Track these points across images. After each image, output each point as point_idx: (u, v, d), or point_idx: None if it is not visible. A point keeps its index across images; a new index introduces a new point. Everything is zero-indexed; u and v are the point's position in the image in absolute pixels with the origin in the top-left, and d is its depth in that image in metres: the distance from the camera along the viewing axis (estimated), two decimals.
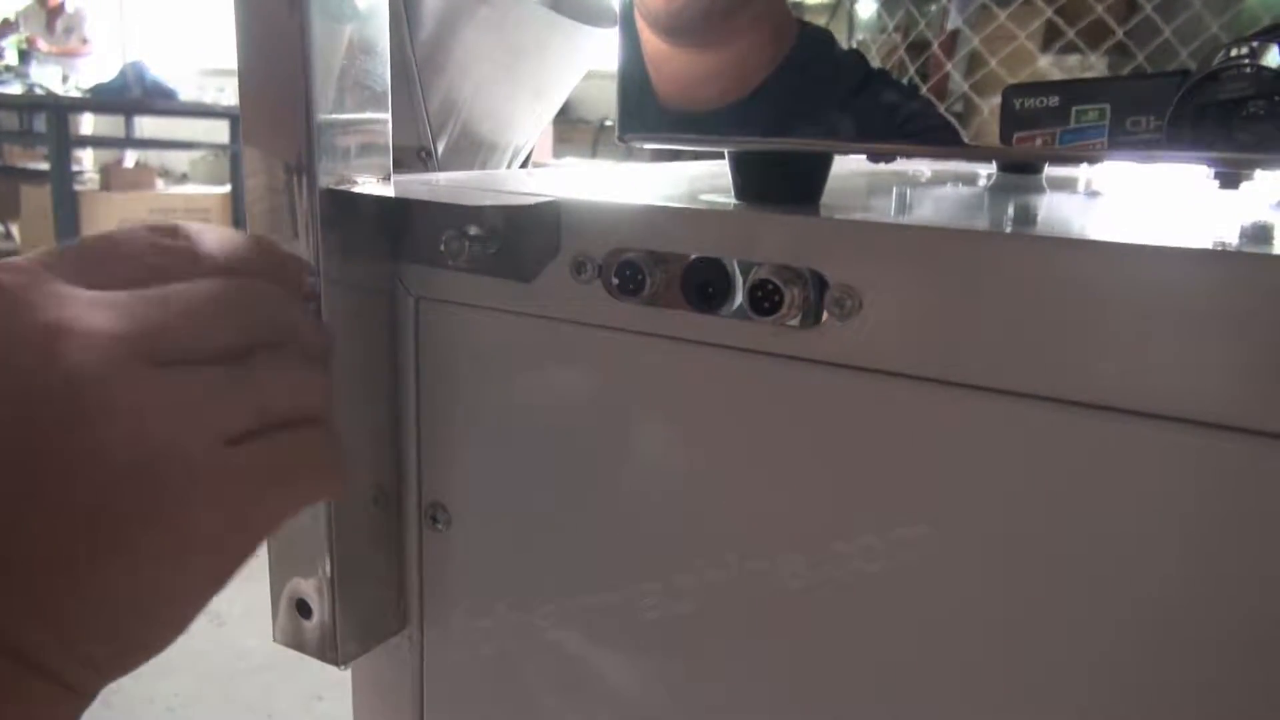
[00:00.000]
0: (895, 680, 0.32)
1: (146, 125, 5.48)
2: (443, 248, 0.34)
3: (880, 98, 0.31)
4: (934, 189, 0.50)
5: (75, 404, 0.25)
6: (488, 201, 0.33)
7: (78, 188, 4.45)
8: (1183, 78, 0.26)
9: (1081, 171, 0.74)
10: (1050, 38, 0.29)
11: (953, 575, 0.30)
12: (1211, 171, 0.35)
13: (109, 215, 4.39)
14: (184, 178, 6.24)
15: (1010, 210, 0.41)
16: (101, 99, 4.59)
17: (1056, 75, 0.29)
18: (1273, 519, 0.25)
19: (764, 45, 0.32)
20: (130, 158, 5.38)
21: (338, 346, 0.35)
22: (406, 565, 0.42)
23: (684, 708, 0.36)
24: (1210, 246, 0.26)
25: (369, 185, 0.35)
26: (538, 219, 0.33)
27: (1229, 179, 0.33)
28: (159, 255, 0.29)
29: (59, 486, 0.25)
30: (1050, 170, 0.69)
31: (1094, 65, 0.28)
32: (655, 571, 0.36)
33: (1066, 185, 0.58)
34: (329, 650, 0.41)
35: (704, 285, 0.32)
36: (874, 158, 0.34)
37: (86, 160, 5.57)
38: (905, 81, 0.31)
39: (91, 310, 0.26)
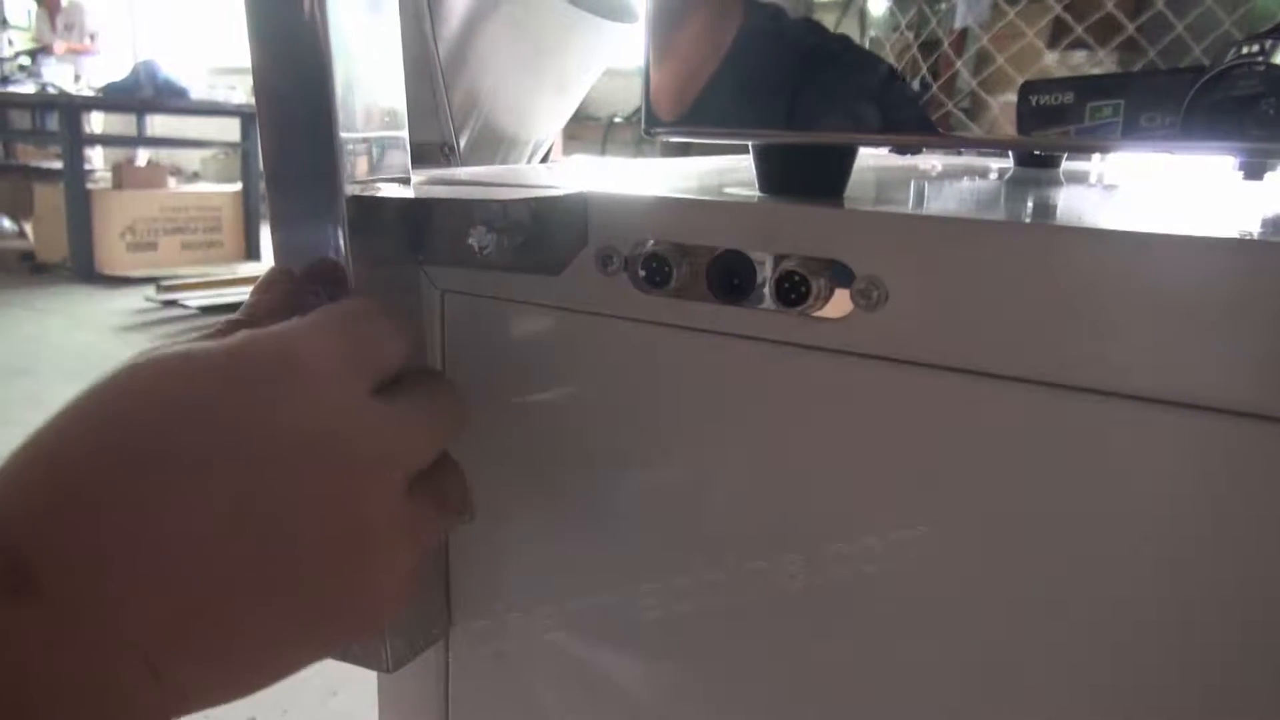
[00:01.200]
0: (928, 676, 0.32)
1: (158, 124, 5.51)
2: (471, 242, 0.34)
3: (904, 91, 0.32)
4: (952, 182, 0.50)
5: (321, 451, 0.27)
6: (513, 195, 0.34)
7: (90, 186, 4.48)
8: (1197, 74, 0.27)
9: (1097, 165, 0.74)
10: (1059, 34, 0.29)
11: (988, 567, 0.30)
12: (1237, 163, 0.35)
13: (121, 213, 4.42)
14: (195, 176, 6.27)
15: (1029, 202, 0.41)
16: (113, 98, 4.62)
17: (1065, 72, 0.29)
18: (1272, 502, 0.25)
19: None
20: (142, 156, 5.41)
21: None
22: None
23: (711, 707, 0.37)
24: (1230, 236, 0.26)
25: (391, 188, 0.36)
26: (565, 211, 0.34)
27: (1254, 169, 0.33)
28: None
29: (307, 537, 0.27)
30: (1067, 164, 0.69)
31: (1103, 62, 0.28)
32: (687, 566, 0.36)
33: (1084, 178, 0.58)
34: (377, 657, 0.40)
35: (730, 277, 0.33)
36: (899, 150, 0.34)
37: (98, 159, 5.59)
38: (921, 76, 0.31)
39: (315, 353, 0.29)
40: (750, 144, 0.36)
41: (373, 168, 0.35)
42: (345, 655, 0.41)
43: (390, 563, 0.29)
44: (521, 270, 0.35)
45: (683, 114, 0.35)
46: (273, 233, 0.35)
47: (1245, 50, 0.26)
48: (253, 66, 0.34)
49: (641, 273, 0.34)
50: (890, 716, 0.33)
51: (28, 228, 4.82)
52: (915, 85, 0.31)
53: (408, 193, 0.35)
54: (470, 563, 0.42)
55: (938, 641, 0.32)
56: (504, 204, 0.33)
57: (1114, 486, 0.28)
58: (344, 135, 0.33)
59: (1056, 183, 0.54)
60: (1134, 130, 0.28)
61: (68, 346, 3.20)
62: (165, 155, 5.81)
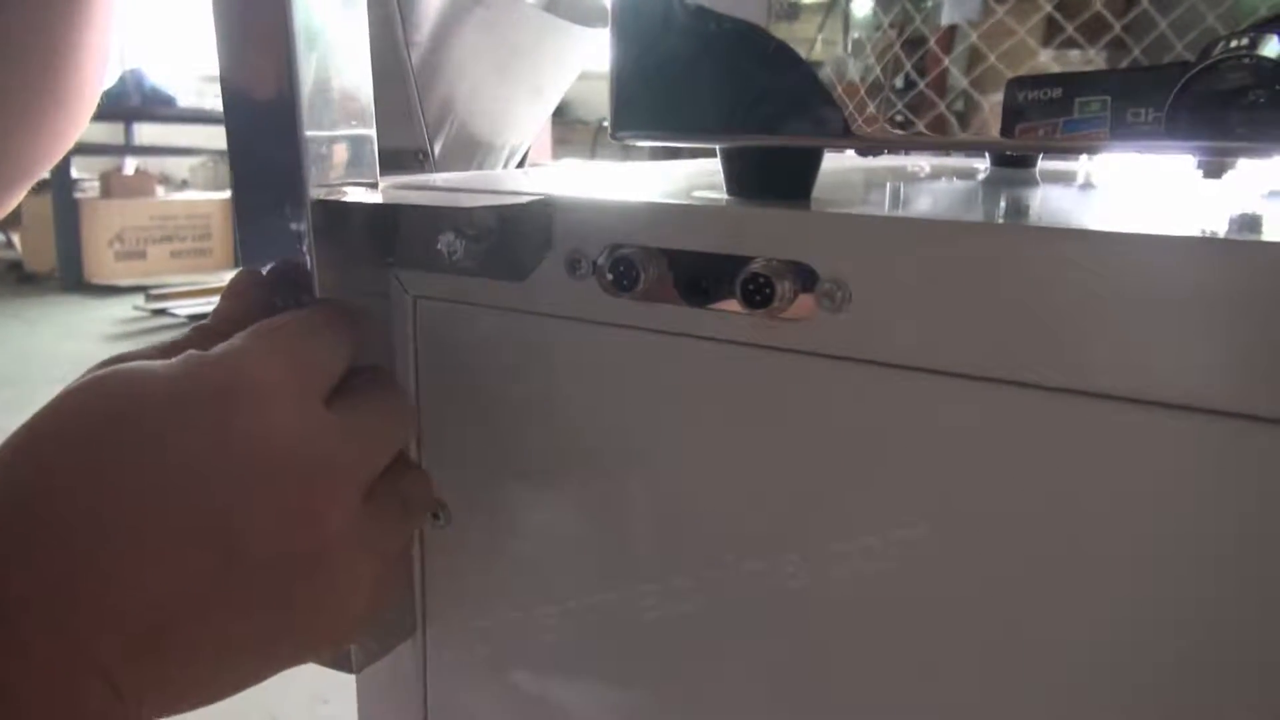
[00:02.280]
0: (891, 674, 0.32)
1: (145, 132, 5.49)
2: (439, 248, 0.35)
3: (872, 92, 0.32)
4: (927, 183, 0.50)
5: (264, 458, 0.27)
6: (479, 203, 0.34)
7: (78, 195, 4.46)
8: (1183, 69, 0.27)
9: (1074, 165, 0.75)
10: (1049, 33, 0.29)
11: (949, 566, 0.31)
12: (1196, 162, 0.35)
13: (109, 222, 4.41)
14: (184, 184, 6.25)
15: (1000, 201, 0.41)
16: (100, 106, 4.60)
17: (1054, 70, 0.29)
18: (1269, 503, 0.26)
19: None
20: (130, 165, 5.39)
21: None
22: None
23: (686, 707, 0.37)
24: (1194, 234, 0.26)
25: (358, 193, 0.36)
26: (531, 217, 0.34)
27: (1213, 169, 0.33)
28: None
29: (248, 543, 0.27)
30: (1044, 164, 0.69)
31: (1093, 60, 0.28)
32: (655, 568, 0.36)
33: (1059, 178, 0.58)
34: (342, 658, 0.41)
35: (697, 280, 0.33)
36: (862, 151, 0.35)
37: (86, 168, 5.57)
38: (900, 76, 0.31)
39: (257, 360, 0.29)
40: (717, 147, 0.36)
41: (340, 169, 0.35)
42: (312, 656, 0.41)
43: (352, 573, 0.29)
44: (490, 276, 0.35)
45: (648, 118, 0.35)
46: (238, 234, 0.36)
47: (1233, 44, 0.26)
48: (219, 67, 0.34)
49: (609, 276, 0.34)
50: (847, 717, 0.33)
51: (15, 238, 4.80)
52: (886, 86, 0.32)
53: (375, 198, 0.35)
54: (445, 564, 0.42)
55: (904, 642, 0.32)
56: (470, 210, 0.33)
57: (1077, 484, 0.28)
58: (310, 134, 0.33)
59: (1030, 183, 0.54)
60: (1120, 125, 0.28)
61: (57, 356, 3.19)
62: (153, 163, 5.80)
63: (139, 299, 3.93)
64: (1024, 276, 0.28)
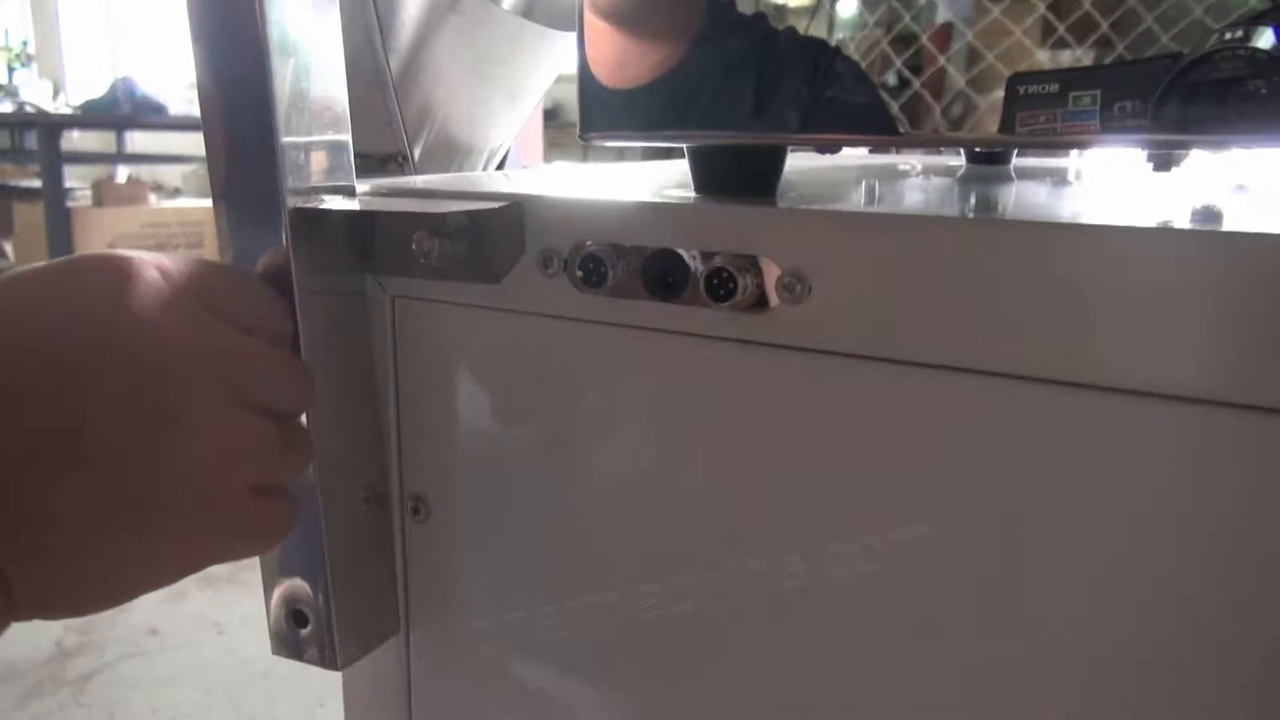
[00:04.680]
0: (861, 668, 0.33)
1: (138, 140, 5.48)
2: (414, 252, 0.35)
3: (831, 89, 0.33)
4: (900, 180, 0.51)
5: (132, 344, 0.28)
6: (452, 207, 0.35)
7: (70, 204, 4.46)
8: (1172, 61, 0.27)
9: (1048, 161, 0.76)
10: (1045, 33, 0.30)
11: (911, 551, 0.32)
12: (1146, 155, 0.36)
13: (102, 231, 4.40)
14: (177, 192, 6.24)
15: (966, 196, 0.42)
16: (91, 115, 4.60)
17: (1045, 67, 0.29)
18: (1252, 490, 0.26)
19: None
20: (122, 173, 5.39)
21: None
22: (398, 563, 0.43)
23: (670, 701, 0.38)
24: (1143, 225, 0.27)
25: (335, 200, 0.36)
26: (503, 220, 0.35)
27: (1162, 161, 0.34)
28: None
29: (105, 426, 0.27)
30: (1019, 162, 0.70)
31: (1080, 59, 0.29)
32: (634, 563, 0.37)
33: (1032, 174, 0.59)
34: (327, 656, 0.41)
35: (663, 275, 0.34)
36: (821, 149, 0.36)
37: (78, 177, 5.56)
38: (864, 73, 0.32)
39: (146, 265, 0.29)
40: (684, 147, 0.37)
41: (316, 176, 0.36)
42: (297, 654, 0.42)
43: (215, 442, 0.29)
44: (465, 278, 0.36)
45: (614, 119, 0.36)
46: (220, 241, 0.36)
47: (1229, 36, 0.26)
48: (196, 77, 0.35)
49: (579, 273, 0.35)
50: (817, 703, 0.34)
51: (8, 247, 4.79)
52: (845, 85, 0.33)
53: (351, 204, 0.36)
54: (428, 562, 0.43)
55: (862, 625, 0.33)
56: (443, 215, 0.34)
57: (1037, 469, 0.29)
58: (286, 141, 0.34)
59: (1002, 179, 0.55)
60: (1109, 117, 0.28)
61: None
62: (145, 171, 5.79)
63: None
64: (976, 266, 0.29)
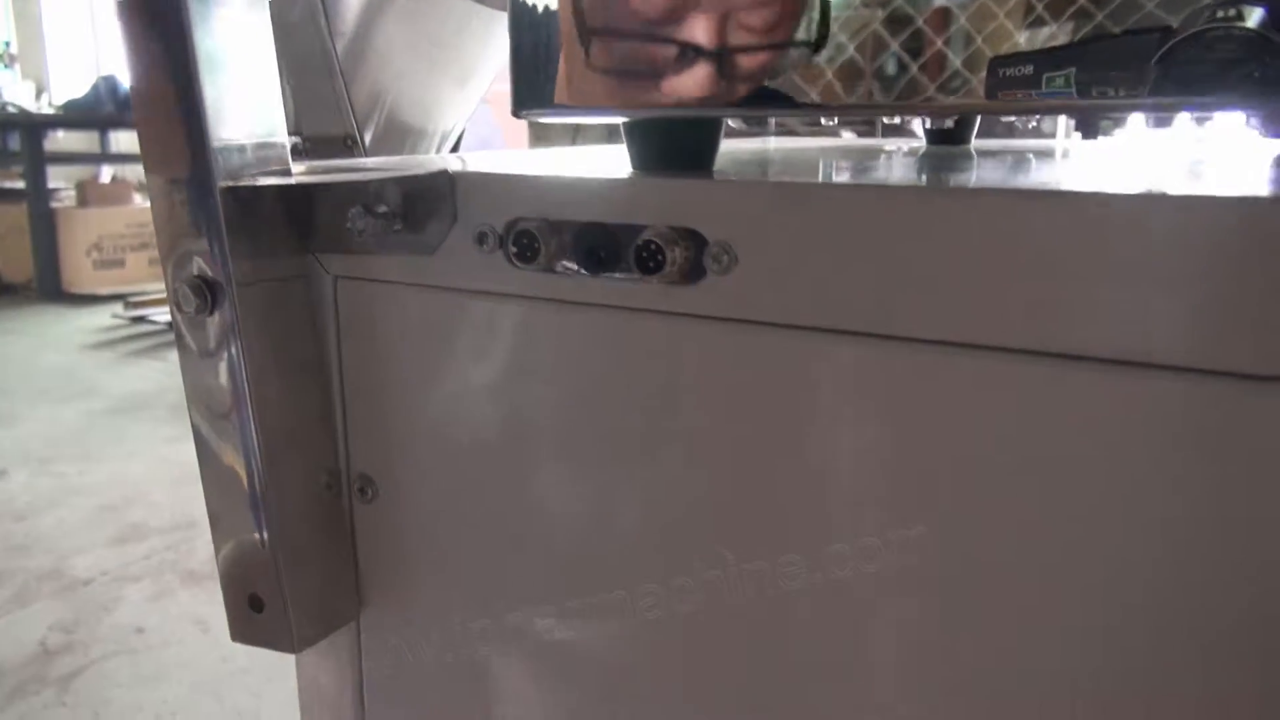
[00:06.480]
0: (793, 639, 0.33)
1: (122, 140, 5.45)
2: (349, 225, 0.35)
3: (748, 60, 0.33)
4: (849, 158, 0.52)
5: None
6: (381, 175, 0.35)
7: (54, 205, 4.44)
8: (1163, 34, 0.27)
9: (1008, 143, 0.76)
10: (1025, 12, 0.29)
11: (842, 516, 0.32)
12: (1074, 124, 0.36)
13: (86, 231, 4.39)
14: None
15: (905, 170, 0.42)
16: (75, 115, 4.58)
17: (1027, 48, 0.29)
18: (1210, 455, 0.26)
19: None
20: (106, 173, 5.36)
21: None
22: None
23: (615, 672, 0.38)
24: (1048, 189, 0.28)
25: (268, 178, 0.36)
26: (432, 189, 0.35)
27: (1089, 129, 0.34)
28: None
29: None
30: (980, 143, 0.70)
31: (1057, 35, 0.29)
32: (575, 535, 0.37)
33: (991, 155, 0.60)
34: (283, 638, 0.41)
35: (595, 250, 0.34)
36: (748, 122, 0.36)
37: (62, 177, 5.54)
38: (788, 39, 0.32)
39: None
40: (620, 123, 0.37)
41: (250, 165, 0.36)
42: (255, 639, 0.42)
43: None
44: (400, 250, 0.36)
45: (548, 95, 0.36)
46: (156, 227, 0.36)
47: (1220, 15, 0.26)
48: (130, 86, 0.35)
49: (513, 249, 0.35)
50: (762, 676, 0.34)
51: None
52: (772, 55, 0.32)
53: (282, 180, 0.36)
54: (378, 544, 0.43)
55: (802, 597, 0.33)
56: (371, 183, 0.34)
57: (962, 431, 0.29)
58: (219, 144, 0.34)
59: (959, 157, 0.55)
60: (1084, 97, 0.28)
61: (37, 366, 3.17)
62: (130, 171, 5.76)
63: (118, 307, 3.92)
64: (892, 233, 0.29)
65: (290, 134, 0.50)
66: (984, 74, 0.29)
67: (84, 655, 1.65)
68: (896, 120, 0.61)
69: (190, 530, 1.88)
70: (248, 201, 0.36)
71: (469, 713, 0.42)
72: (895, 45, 0.30)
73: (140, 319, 3.77)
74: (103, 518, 1.95)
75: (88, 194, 4.60)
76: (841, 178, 0.35)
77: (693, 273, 0.32)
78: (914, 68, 0.30)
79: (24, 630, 1.66)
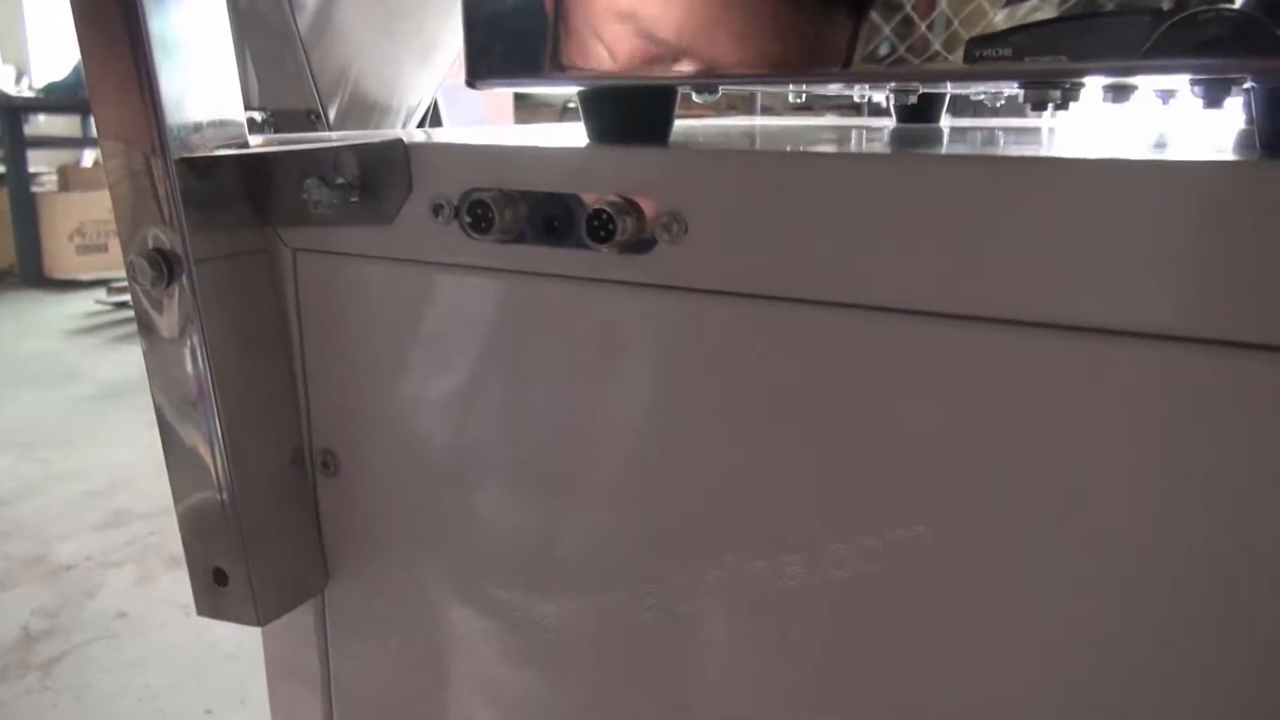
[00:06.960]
0: (766, 624, 0.34)
1: None
2: (305, 196, 0.35)
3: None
4: (814, 133, 0.52)
5: None
6: (336, 145, 0.35)
7: (36, 189, 4.40)
8: (1156, 17, 0.27)
9: (979, 121, 0.76)
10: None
11: (797, 484, 0.32)
12: (1022, 95, 0.36)
13: (69, 216, 4.35)
14: None
15: (851, 141, 0.43)
16: (56, 98, 4.53)
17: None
18: (1191, 423, 0.26)
19: None
20: (88, 157, 5.31)
21: None
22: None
23: (579, 642, 0.38)
24: (986, 154, 0.28)
25: (225, 149, 0.36)
26: (385, 157, 0.35)
27: (1039, 103, 0.35)
28: None
29: None
30: (954, 122, 0.70)
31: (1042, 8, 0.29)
32: (537, 504, 0.38)
33: (959, 132, 0.60)
34: (246, 611, 0.42)
35: (549, 220, 0.34)
36: (699, 90, 0.36)
37: (43, 161, 5.48)
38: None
39: None
40: (577, 93, 0.37)
41: (207, 140, 0.36)
42: (220, 613, 0.42)
43: None
44: (356, 221, 0.36)
45: (502, 64, 0.36)
46: (114, 205, 0.36)
47: None
48: (85, 76, 0.35)
49: (468, 220, 0.35)
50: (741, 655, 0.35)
51: None
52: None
53: (238, 150, 0.36)
54: (343, 518, 0.43)
55: (753, 566, 0.33)
56: (324, 153, 0.34)
57: (908, 396, 0.30)
58: (174, 124, 0.34)
59: (925, 134, 0.55)
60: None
61: (19, 353, 3.15)
62: None
63: (101, 292, 3.89)
64: (840, 201, 0.29)
65: (253, 109, 0.50)
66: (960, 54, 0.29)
67: (67, 640, 1.65)
68: (882, 100, 0.61)
69: (174, 516, 1.88)
70: (204, 172, 0.36)
71: (434, 684, 0.43)
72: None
73: (123, 304, 3.75)
74: (86, 503, 1.95)
75: (69, 178, 4.55)
76: (793, 148, 0.36)
77: (645, 242, 0.32)
78: (886, 28, 0.30)
79: (6, 615, 1.66)
